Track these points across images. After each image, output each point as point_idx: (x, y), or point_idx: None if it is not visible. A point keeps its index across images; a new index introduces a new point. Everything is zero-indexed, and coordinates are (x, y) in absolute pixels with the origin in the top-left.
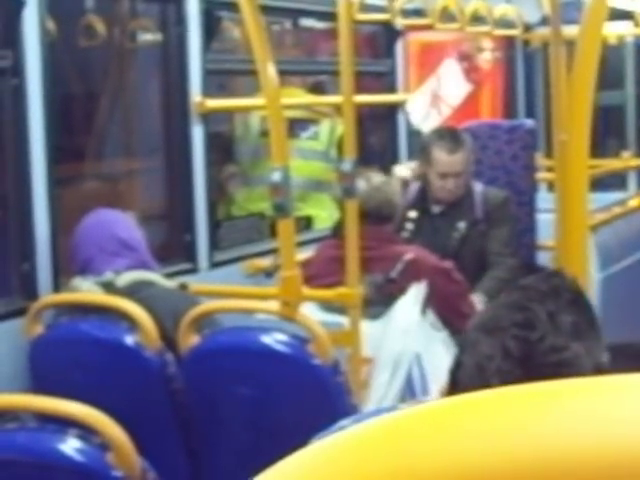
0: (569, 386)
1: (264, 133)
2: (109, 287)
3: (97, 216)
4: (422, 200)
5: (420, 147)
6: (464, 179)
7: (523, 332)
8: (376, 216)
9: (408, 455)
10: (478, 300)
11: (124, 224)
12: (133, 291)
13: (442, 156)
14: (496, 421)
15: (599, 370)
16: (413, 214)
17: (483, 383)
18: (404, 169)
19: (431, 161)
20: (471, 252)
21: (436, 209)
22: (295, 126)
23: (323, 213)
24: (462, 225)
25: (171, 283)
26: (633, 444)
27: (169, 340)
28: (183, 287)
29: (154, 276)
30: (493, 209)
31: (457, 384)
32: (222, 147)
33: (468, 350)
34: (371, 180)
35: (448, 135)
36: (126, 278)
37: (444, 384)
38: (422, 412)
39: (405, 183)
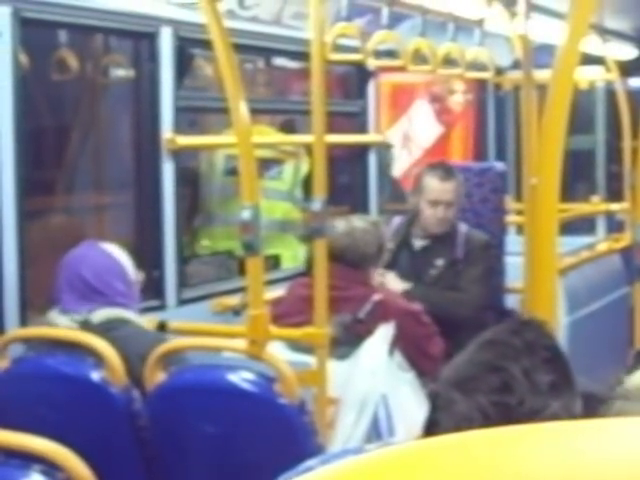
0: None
1: (229, 172)
2: (85, 324)
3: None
4: (405, 234)
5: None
6: (452, 213)
7: (502, 397)
8: (342, 259)
9: None
10: (393, 278)
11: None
12: (107, 329)
13: (433, 183)
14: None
15: None
16: (391, 245)
17: None
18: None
19: (422, 189)
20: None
21: (418, 244)
22: (260, 166)
23: (287, 253)
24: (440, 262)
25: (146, 322)
26: None
27: (136, 377)
28: (162, 326)
29: (129, 314)
30: (473, 249)
31: None
32: (188, 185)
33: (444, 409)
34: (351, 223)
35: (440, 166)
36: (101, 315)
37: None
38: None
39: None
